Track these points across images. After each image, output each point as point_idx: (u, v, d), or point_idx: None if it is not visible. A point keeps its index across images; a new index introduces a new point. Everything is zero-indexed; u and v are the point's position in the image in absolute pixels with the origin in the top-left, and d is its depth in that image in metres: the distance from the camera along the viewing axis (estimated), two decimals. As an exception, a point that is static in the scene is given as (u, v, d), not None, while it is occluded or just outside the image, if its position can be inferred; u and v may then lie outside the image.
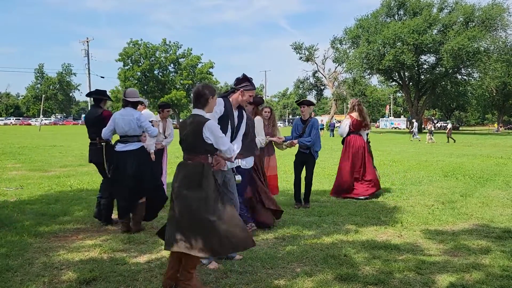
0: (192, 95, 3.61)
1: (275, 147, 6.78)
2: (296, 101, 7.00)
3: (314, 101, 8.79)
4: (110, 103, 6.95)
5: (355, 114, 7.87)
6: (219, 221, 3.41)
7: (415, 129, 32.97)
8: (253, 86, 4.27)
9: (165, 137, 7.34)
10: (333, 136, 36.67)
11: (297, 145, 6.92)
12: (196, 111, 3.61)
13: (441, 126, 74.90)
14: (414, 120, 39.11)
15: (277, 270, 4.04)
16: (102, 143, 5.75)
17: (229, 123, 4.16)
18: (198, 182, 3.45)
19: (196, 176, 3.47)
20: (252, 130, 4.96)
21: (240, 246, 3.57)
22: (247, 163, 4.86)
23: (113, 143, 5.64)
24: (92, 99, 6.05)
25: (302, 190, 7.07)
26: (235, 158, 4.46)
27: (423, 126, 53.64)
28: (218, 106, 4.02)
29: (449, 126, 32.13)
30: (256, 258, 4.32)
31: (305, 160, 6.96)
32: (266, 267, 4.12)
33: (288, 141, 6.79)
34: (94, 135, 5.78)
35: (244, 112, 4.40)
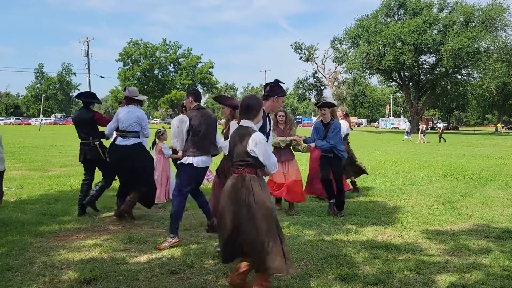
0: (240, 106, 3.58)
1: (293, 151, 6.63)
2: (315, 104, 6.53)
3: (335, 102, 8.13)
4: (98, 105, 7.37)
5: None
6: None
7: (407, 129, 33.06)
8: (285, 92, 4.28)
9: None
10: None
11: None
12: (245, 123, 3.49)
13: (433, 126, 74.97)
14: (406, 120, 39.14)
15: (278, 270, 4.04)
16: (96, 142, 6.16)
17: (264, 132, 4.07)
18: (243, 196, 3.33)
19: (241, 189, 3.36)
20: (214, 130, 5.10)
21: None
22: (201, 162, 4.91)
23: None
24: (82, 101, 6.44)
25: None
26: (185, 156, 4.86)
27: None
28: None
29: (441, 126, 32.49)
30: (256, 258, 4.32)
31: (330, 163, 6.42)
32: (266, 267, 4.12)
33: (306, 145, 6.45)
34: (86, 136, 6.18)
35: (269, 117, 4.32)
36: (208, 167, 5.13)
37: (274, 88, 4.16)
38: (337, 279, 3.81)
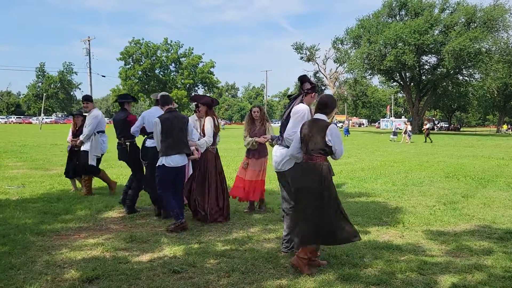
0: (319, 101, 4.13)
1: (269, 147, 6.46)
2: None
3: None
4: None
5: None
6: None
7: (394, 129, 33.22)
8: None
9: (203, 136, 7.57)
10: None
11: None
12: (320, 116, 4.03)
13: (442, 126, 74.92)
14: (393, 122, 39.15)
15: (279, 270, 4.05)
16: (127, 143, 6.44)
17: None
18: (321, 181, 3.85)
19: (320, 175, 3.86)
20: (185, 131, 5.37)
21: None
22: (173, 161, 5.19)
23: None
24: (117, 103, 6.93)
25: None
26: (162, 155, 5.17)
27: (423, 127, 53.56)
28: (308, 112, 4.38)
29: (427, 126, 33.20)
30: (258, 258, 4.33)
31: None
32: (268, 266, 4.13)
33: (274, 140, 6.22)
34: (119, 136, 6.51)
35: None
36: (183, 166, 5.41)
37: (314, 86, 4.56)
38: (339, 279, 3.81)
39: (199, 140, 5.70)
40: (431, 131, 34.19)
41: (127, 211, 6.28)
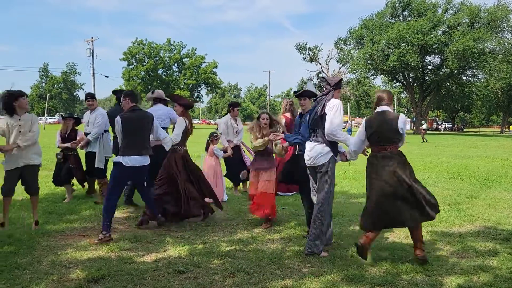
0: (378, 95, 4.49)
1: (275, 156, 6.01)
2: (295, 92, 5.56)
3: (317, 91, 7.01)
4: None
5: (288, 114, 7.69)
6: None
7: None
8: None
9: (236, 135, 7.89)
10: None
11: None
12: (383, 108, 4.37)
13: (445, 127, 74.72)
14: None
15: (284, 271, 4.05)
16: None
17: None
18: (405, 164, 4.24)
19: (400, 160, 4.23)
20: (147, 131, 5.28)
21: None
22: (131, 161, 5.08)
23: None
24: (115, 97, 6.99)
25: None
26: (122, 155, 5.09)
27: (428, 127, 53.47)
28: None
29: (424, 127, 33.84)
30: (263, 258, 4.34)
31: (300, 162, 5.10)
32: (273, 267, 4.13)
33: (280, 145, 5.65)
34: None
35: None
36: (143, 166, 5.21)
37: (339, 83, 4.75)
38: (344, 280, 3.81)
39: (165, 138, 5.57)
40: (427, 131, 34.85)
41: (125, 200, 6.58)
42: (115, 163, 5.15)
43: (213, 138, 7.48)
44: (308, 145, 4.72)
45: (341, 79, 4.82)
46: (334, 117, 4.47)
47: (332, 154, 4.56)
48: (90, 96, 7.29)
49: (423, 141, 29.40)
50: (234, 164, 7.73)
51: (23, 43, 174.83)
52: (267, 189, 5.79)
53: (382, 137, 4.27)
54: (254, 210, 5.83)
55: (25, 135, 5.16)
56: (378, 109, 4.39)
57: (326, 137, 4.51)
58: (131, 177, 5.34)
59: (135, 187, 5.63)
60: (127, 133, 5.11)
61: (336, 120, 4.47)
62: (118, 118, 5.15)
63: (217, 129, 8.06)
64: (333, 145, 4.59)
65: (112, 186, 5.13)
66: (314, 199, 4.76)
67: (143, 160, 5.19)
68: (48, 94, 61.03)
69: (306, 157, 4.72)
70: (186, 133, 5.82)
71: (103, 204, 5.15)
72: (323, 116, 4.57)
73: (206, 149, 7.60)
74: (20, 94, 5.20)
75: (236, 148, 7.83)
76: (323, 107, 4.60)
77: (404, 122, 4.25)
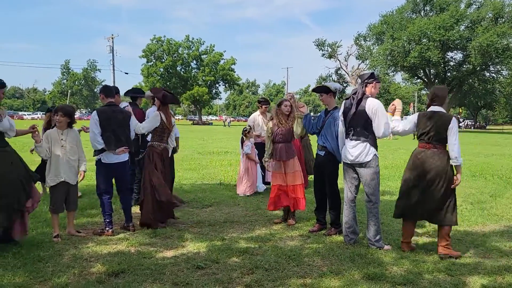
0: (432, 94, 4.48)
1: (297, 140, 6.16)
2: (313, 89, 5.46)
3: (338, 86, 5.35)
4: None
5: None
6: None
7: None
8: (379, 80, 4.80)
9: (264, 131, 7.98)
10: None
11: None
12: (436, 108, 4.41)
13: (467, 124, 73.21)
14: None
15: (303, 268, 4.01)
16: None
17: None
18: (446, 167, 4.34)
19: (447, 160, 4.34)
20: (124, 126, 5.20)
21: None
22: (107, 157, 5.11)
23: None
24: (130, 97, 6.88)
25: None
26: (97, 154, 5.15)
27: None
28: None
29: None
30: (282, 255, 4.31)
31: (322, 164, 5.29)
32: (292, 264, 4.10)
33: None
34: None
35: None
36: (123, 162, 5.23)
37: (371, 76, 4.64)
38: (364, 278, 3.75)
39: (136, 125, 5.44)
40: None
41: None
42: (96, 162, 5.22)
43: (246, 133, 7.88)
44: (349, 143, 4.70)
45: (372, 72, 4.74)
46: (380, 122, 4.49)
47: (375, 151, 4.61)
48: (116, 92, 7.25)
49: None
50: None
51: (44, 41, 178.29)
52: (294, 181, 5.71)
53: (432, 137, 4.34)
54: (271, 204, 5.80)
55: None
56: (431, 108, 4.43)
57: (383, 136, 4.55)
58: (112, 173, 5.26)
59: (117, 187, 5.43)
60: (104, 129, 5.07)
61: (382, 125, 4.48)
62: (94, 112, 5.17)
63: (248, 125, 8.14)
64: (374, 142, 4.64)
65: (97, 185, 5.24)
66: (349, 195, 4.82)
67: (122, 157, 5.20)
68: (69, 91, 62.06)
69: (347, 155, 4.70)
70: (163, 129, 5.52)
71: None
72: (357, 114, 4.56)
73: (241, 144, 7.96)
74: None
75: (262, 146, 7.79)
76: (357, 105, 4.57)
77: (455, 128, 4.32)
